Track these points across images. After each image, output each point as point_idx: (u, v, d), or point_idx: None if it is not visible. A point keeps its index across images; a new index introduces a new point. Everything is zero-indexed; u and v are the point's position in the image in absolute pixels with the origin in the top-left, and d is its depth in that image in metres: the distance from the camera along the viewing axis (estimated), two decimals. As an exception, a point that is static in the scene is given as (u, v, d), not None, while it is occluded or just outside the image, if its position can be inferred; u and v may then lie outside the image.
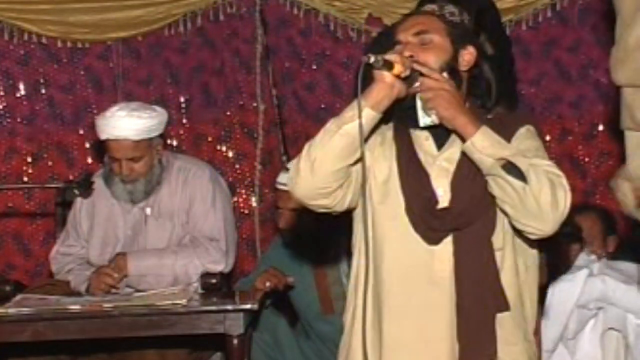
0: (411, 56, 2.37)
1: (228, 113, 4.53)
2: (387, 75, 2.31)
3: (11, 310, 3.04)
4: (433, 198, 2.39)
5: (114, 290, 3.38)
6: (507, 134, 2.39)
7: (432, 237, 2.39)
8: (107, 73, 4.50)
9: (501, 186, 2.28)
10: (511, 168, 2.26)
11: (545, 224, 2.28)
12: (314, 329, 3.72)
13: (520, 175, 2.25)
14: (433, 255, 2.39)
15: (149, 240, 3.48)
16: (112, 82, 4.47)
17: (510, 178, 2.26)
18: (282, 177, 3.63)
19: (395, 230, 2.41)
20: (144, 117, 3.44)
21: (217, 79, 4.51)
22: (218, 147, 4.56)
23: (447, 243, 2.38)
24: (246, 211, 4.51)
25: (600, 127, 4.56)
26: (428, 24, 2.44)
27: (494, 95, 2.55)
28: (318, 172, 2.34)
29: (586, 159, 4.56)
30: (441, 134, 2.40)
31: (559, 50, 4.53)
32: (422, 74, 2.34)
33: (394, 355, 2.41)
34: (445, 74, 2.37)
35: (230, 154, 4.56)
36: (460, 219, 2.37)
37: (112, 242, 3.51)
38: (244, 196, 4.53)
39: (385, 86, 2.32)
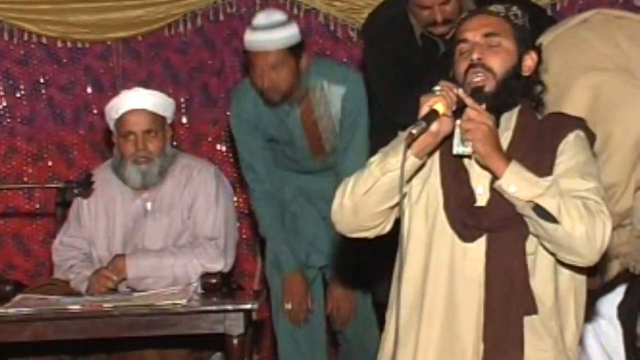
0: (479, 59, 2.36)
1: (228, 113, 4.52)
2: (432, 125, 2.30)
3: (11, 310, 3.04)
4: (471, 196, 2.40)
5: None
6: (555, 139, 2.40)
7: (466, 234, 2.39)
8: (107, 73, 4.51)
9: (534, 226, 2.30)
10: (541, 211, 2.26)
11: (583, 258, 2.29)
12: (301, 165, 3.77)
13: (550, 217, 2.25)
14: (466, 253, 2.40)
15: (147, 235, 3.48)
16: (112, 82, 4.47)
17: (541, 221, 2.26)
18: (254, 36, 3.56)
19: (432, 226, 2.44)
20: (156, 95, 3.57)
21: (217, 79, 4.52)
22: (218, 147, 4.57)
23: (481, 243, 2.39)
24: (246, 211, 4.51)
25: (600, 127, 4.56)
26: (497, 26, 2.43)
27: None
28: (361, 214, 2.41)
29: (586, 159, 4.55)
30: None
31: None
32: (465, 105, 2.32)
33: (424, 351, 2.42)
34: (483, 106, 2.34)
35: (230, 154, 4.56)
36: (496, 220, 2.37)
37: (113, 234, 3.51)
38: (244, 196, 4.53)
39: (430, 136, 2.32)
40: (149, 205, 3.51)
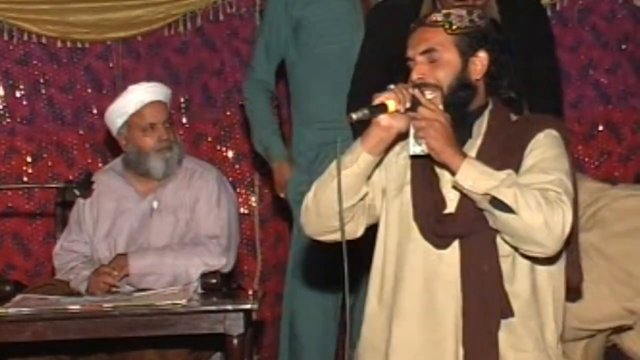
0: (420, 78, 2.38)
1: (228, 113, 4.53)
2: (382, 119, 2.33)
3: (11, 310, 3.04)
4: (441, 203, 2.41)
5: (114, 289, 3.38)
6: (524, 140, 2.40)
7: (438, 242, 2.40)
8: (107, 73, 4.51)
9: (493, 220, 2.31)
10: (497, 202, 2.26)
11: (544, 247, 2.30)
12: (345, 66, 3.65)
13: (507, 208, 2.25)
14: (441, 259, 2.41)
15: (152, 234, 3.48)
16: (112, 82, 4.47)
17: (498, 212, 2.27)
18: None
19: (408, 234, 2.44)
20: (161, 86, 3.62)
21: (217, 79, 4.52)
22: (218, 147, 4.57)
23: (455, 247, 2.40)
24: (246, 211, 4.52)
25: (600, 127, 4.56)
26: (434, 39, 2.41)
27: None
28: (323, 213, 2.43)
29: (586, 159, 4.55)
30: (457, 140, 2.38)
31: (559, 51, 4.51)
32: (420, 103, 2.33)
33: (400, 356, 2.43)
34: (441, 106, 2.35)
35: (230, 154, 4.56)
36: (463, 227, 2.38)
37: (116, 235, 3.51)
38: (244, 196, 4.53)
39: (381, 130, 2.34)
40: (155, 204, 3.51)
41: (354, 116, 2.26)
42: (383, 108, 2.29)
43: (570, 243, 2.44)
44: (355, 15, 3.78)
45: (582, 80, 4.55)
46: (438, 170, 2.43)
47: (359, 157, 2.37)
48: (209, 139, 4.57)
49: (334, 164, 2.40)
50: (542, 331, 2.43)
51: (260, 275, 4.56)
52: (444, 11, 2.45)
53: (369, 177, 2.44)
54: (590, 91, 4.55)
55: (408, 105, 2.31)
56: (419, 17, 2.52)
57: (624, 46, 4.56)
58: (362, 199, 2.44)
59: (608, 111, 4.55)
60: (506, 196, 2.25)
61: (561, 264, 2.46)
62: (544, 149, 2.39)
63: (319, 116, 3.77)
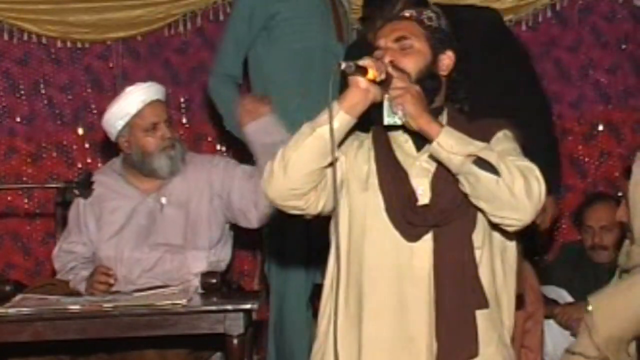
0: (391, 61, 2.41)
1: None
2: (361, 81, 2.35)
3: (11, 310, 3.04)
4: (413, 196, 2.43)
5: (114, 288, 3.38)
6: (485, 138, 2.43)
7: (411, 233, 2.41)
8: (107, 73, 4.51)
9: (473, 182, 2.31)
10: (482, 163, 2.29)
11: (522, 213, 2.31)
12: (320, 63, 3.70)
13: (491, 168, 2.28)
14: (412, 252, 2.42)
15: (165, 229, 3.46)
16: (112, 82, 4.48)
17: (482, 172, 2.28)
18: None
19: (375, 229, 2.44)
20: (158, 85, 3.62)
21: (217, 79, 4.51)
22: (218, 147, 4.57)
23: (427, 240, 2.41)
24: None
25: (600, 127, 4.57)
26: (407, 29, 2.48)
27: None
28: (291, 174, 2.38)
29: (586, 159, 4.57)
30: (420, 135, 2.41)
31: (559, 51, 4.55)
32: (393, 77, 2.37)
33: (373, 353, 2.42)
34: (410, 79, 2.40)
35: (230, 154, 4.56)
36: (441, 216, 2.39)
37: (124, 234, 3.50)
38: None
39: (360, 91, 2.36)
40: (163, 200, 3.51)
41: (343, 64, 2.30)
42: (363, 72, 2.34)
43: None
44: (328, 14, 3.79)
45: (582, 80, 4.56)
46: (405, 165, 2.46)
47: (335, 116, 2.36)
48: (209, 139, 4.57)
49: (304, 126, 2.40)
50: (502, 327, 2.48)
51: (260, 275, 4.55)
52: (417, 9, 2.52)
53: (340, 144, 2.43)
54: (590, 91, 4.56)
55: (383, 77, 2.35)
56: (388, 16, 2.56)
57: (624, 46, 4.57)
58: (330, 165, 2.42)
59: (608, 111, 4.56)
60: (490, 157, 2.29)
61: (513, 267, 2.50)
62: (505, 143, 2.45)
63: (293, 114, 3.65)
